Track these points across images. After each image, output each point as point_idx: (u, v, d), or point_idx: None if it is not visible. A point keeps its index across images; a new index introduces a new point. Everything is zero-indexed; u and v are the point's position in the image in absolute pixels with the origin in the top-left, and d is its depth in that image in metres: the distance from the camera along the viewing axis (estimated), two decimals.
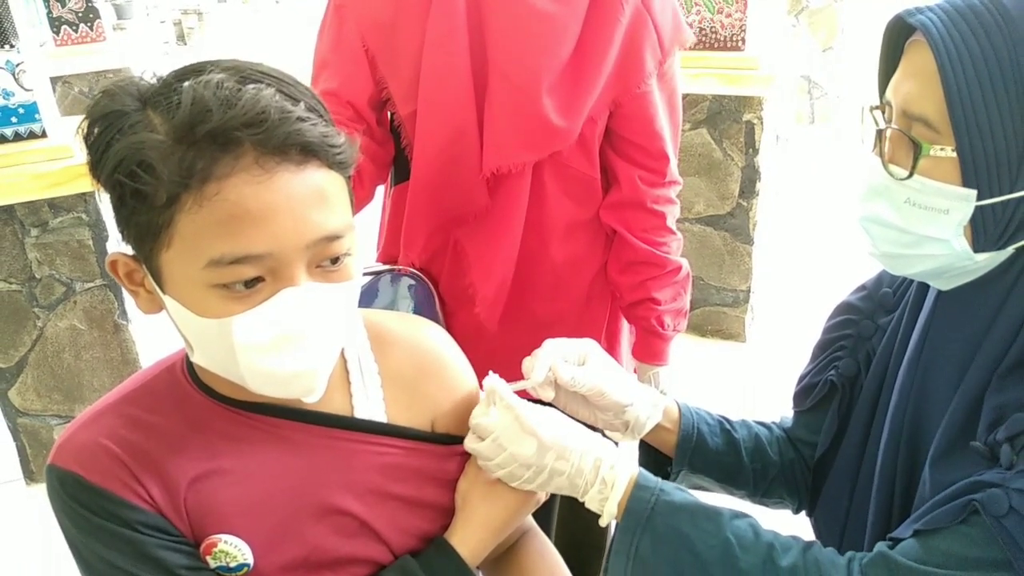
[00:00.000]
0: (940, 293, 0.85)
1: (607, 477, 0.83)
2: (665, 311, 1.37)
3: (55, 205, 2.27)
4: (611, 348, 1.44)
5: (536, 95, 1.17)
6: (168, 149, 0.62)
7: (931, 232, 0.76)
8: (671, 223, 1.35)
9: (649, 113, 1.25)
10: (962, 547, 0.73)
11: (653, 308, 1.36)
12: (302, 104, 0.67)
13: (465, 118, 1.18)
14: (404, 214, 1.30)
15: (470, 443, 0.85)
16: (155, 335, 2.44)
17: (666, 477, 1.03)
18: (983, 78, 0.70)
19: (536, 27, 1.15)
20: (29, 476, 2.57)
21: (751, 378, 2.97)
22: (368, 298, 1.29)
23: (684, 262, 1.38)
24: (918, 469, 0.85)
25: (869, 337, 0.96)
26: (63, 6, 4.40)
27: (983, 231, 0.74)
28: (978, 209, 0.73)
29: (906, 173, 0.76)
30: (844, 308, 1.00)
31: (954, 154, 0.73)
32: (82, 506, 0.71)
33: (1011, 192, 0.72)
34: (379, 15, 1.17)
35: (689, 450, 1.00)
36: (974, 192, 0.73)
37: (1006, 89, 0.69)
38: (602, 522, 0.84)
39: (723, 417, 1.05)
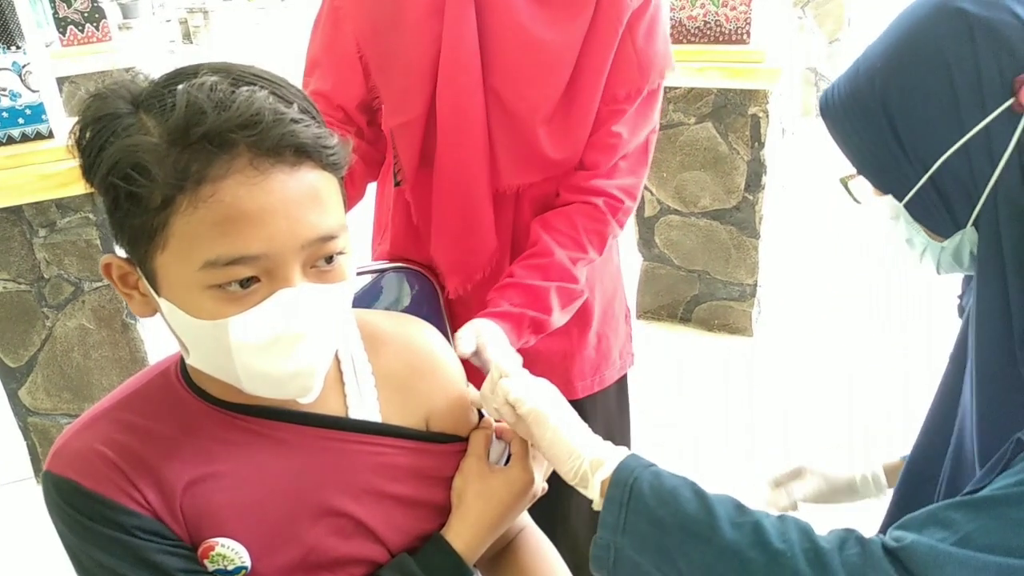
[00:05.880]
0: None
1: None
2: (514, 283, 1.17)
3: (63, 205, 2.28)
4: (600, 344, 1.43)
5: (532, 125, 1.16)
6: (163, 152, 0.63)
7: (903, 236, 0.87)
8: (583, 238, 1.22)
9: (600, 131, 1.21)
10: (1007, 485, 0.71)
11: (506, 278, 1.20)
12: (295, 106, 0.67)
13: (481, 140, 1.19)
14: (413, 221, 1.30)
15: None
16: (163, 334, 2.45)
17: None
18: (849, 111, 0.84)
19: (534, 56, 1.15)
20: (39, 475, 2.59)
21: (758, 372, 2.97)
22: (372, 296, 1.29)
23: (579, 283, 1.21)
24: (964, 463, 0.86)
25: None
26: (69, 6, 4.42)
27: (926, 221, 0.84)
28: (907, 207, 0.83)
29: (854, 202, 0.92)
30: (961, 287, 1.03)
31: (860, 176, 0.87)
32: (79, 512, 0.71)
33: (916, 184, 0.81)
34: (377, 23, 1.16)
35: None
36: (890, 196, 0.84)
37: (864, 112, 0.82)
38: (595, 485, 0.82)
39: None
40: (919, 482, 0.96)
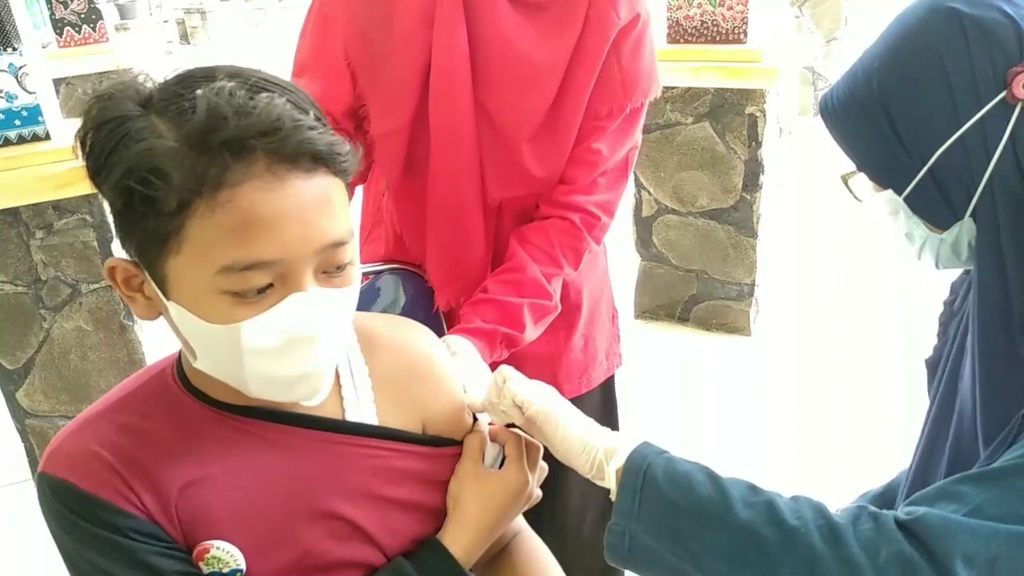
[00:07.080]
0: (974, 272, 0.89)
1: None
2: (488, 299, 1.17)
3: (60, 207, 2.28)
4: (586, 345, 1.43)
5: (516, 141, 1.17)
6: (181, 156, 0.63)
7: (903, 230, 0.89)
8: (558, 253, 1.22)
9: (580, 147, 1.21)
10: (1014, 457, 0.73)
11: (480, 293, 1.20)
12: (311, 113, 0.68)
13: (471, 152, 1.19)
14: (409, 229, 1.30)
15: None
16: (161, 335, 2.45)
17: None
18: (849, 111, 0.87)
19: (521, 71, 1.15)
20: None
21: (757, 372, 2.97)
22: (369, 298, 1.29)
23: (552, 300, 1.21)
24: (964, 448, 0.88)
25: (947, 323, 1.00)
26: (66, 7, 4.42)
27: (926, 214, 0.86)
28: (907, 201, 0.85)
29: (854, 199, 0.93)
30: (950, 290, 1.04)
31: (861, 172, 0.89)
32: (74, 514, 0.71)
33: (915, 177, 0.83)
34: (366, 30, 1.16)
35: None
36: (890, 191, 0.87)
37: (863, 111, 0.84)
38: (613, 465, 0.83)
39: None
40: (930, 466, 0.97)
